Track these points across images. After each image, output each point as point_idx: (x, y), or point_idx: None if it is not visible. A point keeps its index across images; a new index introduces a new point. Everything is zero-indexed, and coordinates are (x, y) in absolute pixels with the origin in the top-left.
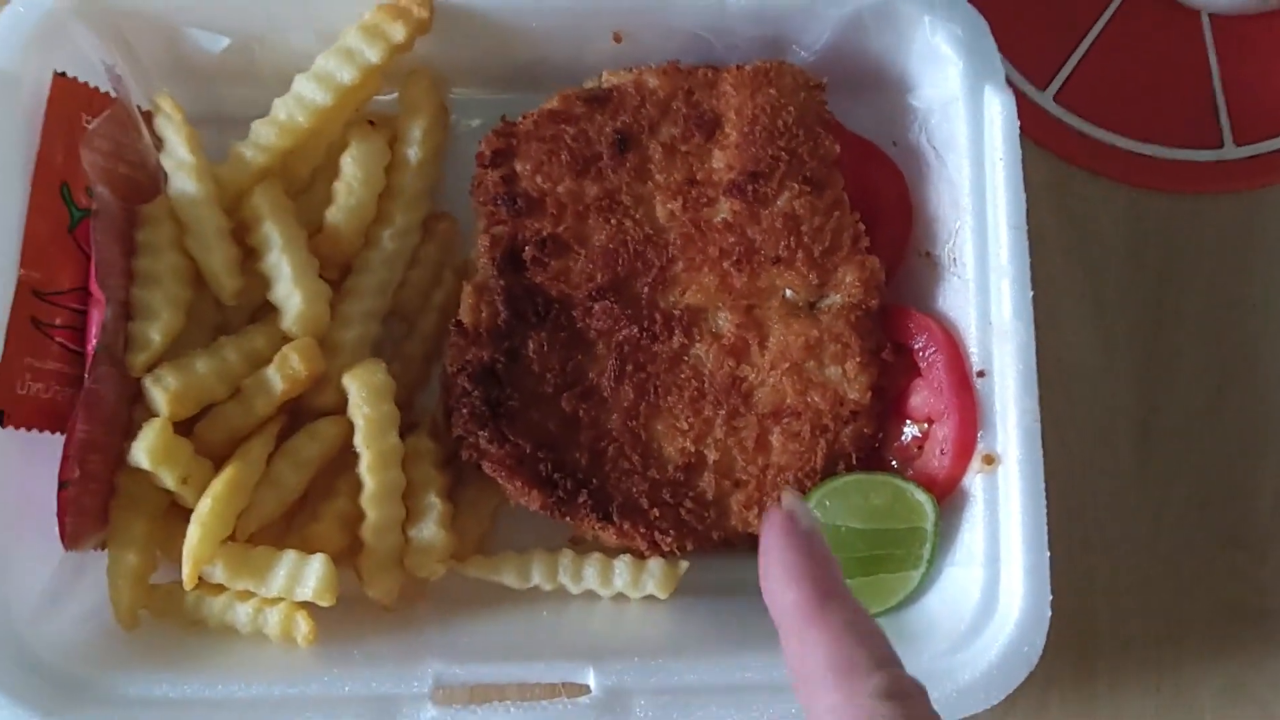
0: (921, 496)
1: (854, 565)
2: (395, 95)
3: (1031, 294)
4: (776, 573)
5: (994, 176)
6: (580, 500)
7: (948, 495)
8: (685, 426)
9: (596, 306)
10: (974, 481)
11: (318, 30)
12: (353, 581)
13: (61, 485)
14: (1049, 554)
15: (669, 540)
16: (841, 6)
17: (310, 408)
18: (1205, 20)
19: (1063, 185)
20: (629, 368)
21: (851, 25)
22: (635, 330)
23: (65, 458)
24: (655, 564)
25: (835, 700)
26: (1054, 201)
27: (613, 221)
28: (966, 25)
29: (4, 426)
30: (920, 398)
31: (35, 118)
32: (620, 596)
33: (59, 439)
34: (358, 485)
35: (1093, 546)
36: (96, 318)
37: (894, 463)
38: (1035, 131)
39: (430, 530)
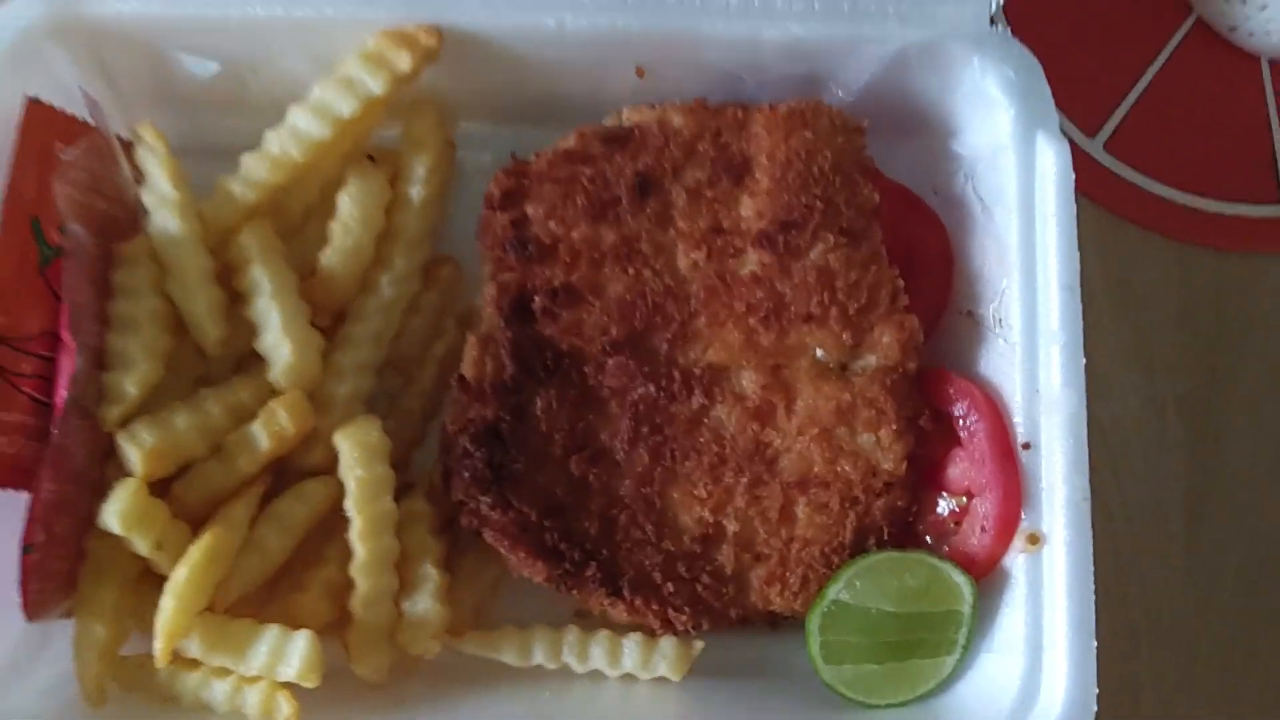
0: (959, 578)
1: (885, 650)
2: (397, 129)
3: (1084, 361)
4: None
5: (1045, 233)
6: (588, 573)
7: (986, 576)
8: (704, 494)
9: (611, 362)
10: (1016, 562)
11: (315, 57)
12: (339, 656)
13: (25, 549)
14: (1095, 644)
15: (684, 618)
16: (885, 44)
17: (297, 467)
18: (1265, 67)
19: (1110, 240)
20: (644, 429)
21: (894, 64)
22: (652, 389)
23: (30, 519)
24: (668, 643)
25: None
26: (1101, 257)
27: (630, 271)
28: (1019, 67)
29: None
30: (959, 469)
31: (4, 145)
32: (628, 677)
33: (22, 498)
34: (347, 552)
35: (1138, 626)
36: (67, 367)
37: (928, 538)
38: (1083, 182)
39: (425, 603)
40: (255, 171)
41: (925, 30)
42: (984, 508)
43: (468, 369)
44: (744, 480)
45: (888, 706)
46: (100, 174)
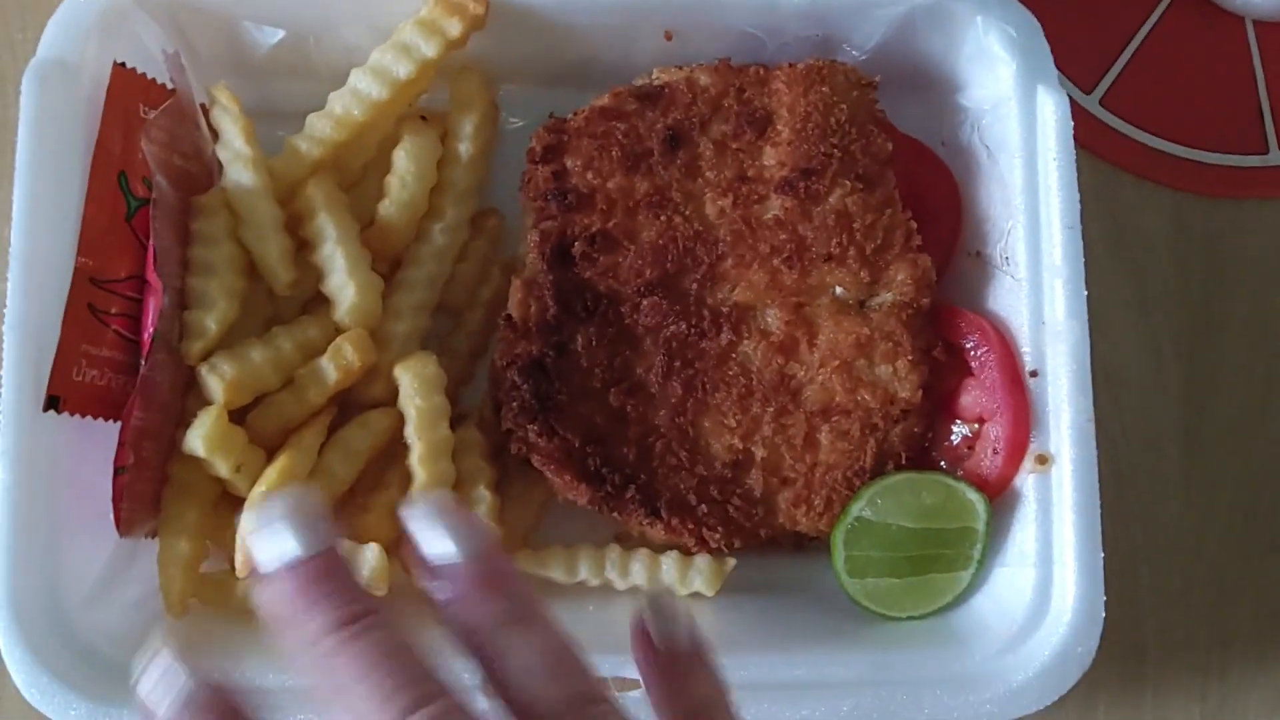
0: (973, 495)
1: (904, 564)
2: (444, 92)
3: (1086, 294)
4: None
5: (1047, 176)
6: (628, 495)
7: (999, 495)
8: (733, 424)
9: (645, 302)
10: (1026, 482)
11: (372, 25)
12: (399, 573)
13: (117, 471)
14: (1102, 555)
15: (717, 537)
16: (894, 6)
17: (360, 399)
18: (1249, 26)
19: (1107, 189)
20: (677, 364)
21: (903, 25)
22: (684, 326)
23: (121, 444)
24: (702, 561)
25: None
26: (1099, 206)
27: (662, 218)
28: (1020, 25)
29: (60, 413)
30: (971, 397)
31: (95, 107)
32: (666, 592)
33: (113, 426)
34: (407, 477)
35: (1138, 553)
36: (153, 305)
37: (943, 463)
38: (1081, 135)
39: None
40: (320, 129)
41: None
42: (995, 432)
43: (514, 309)
44: (770, 410)
45: (908, 618)
46: (179, 133)
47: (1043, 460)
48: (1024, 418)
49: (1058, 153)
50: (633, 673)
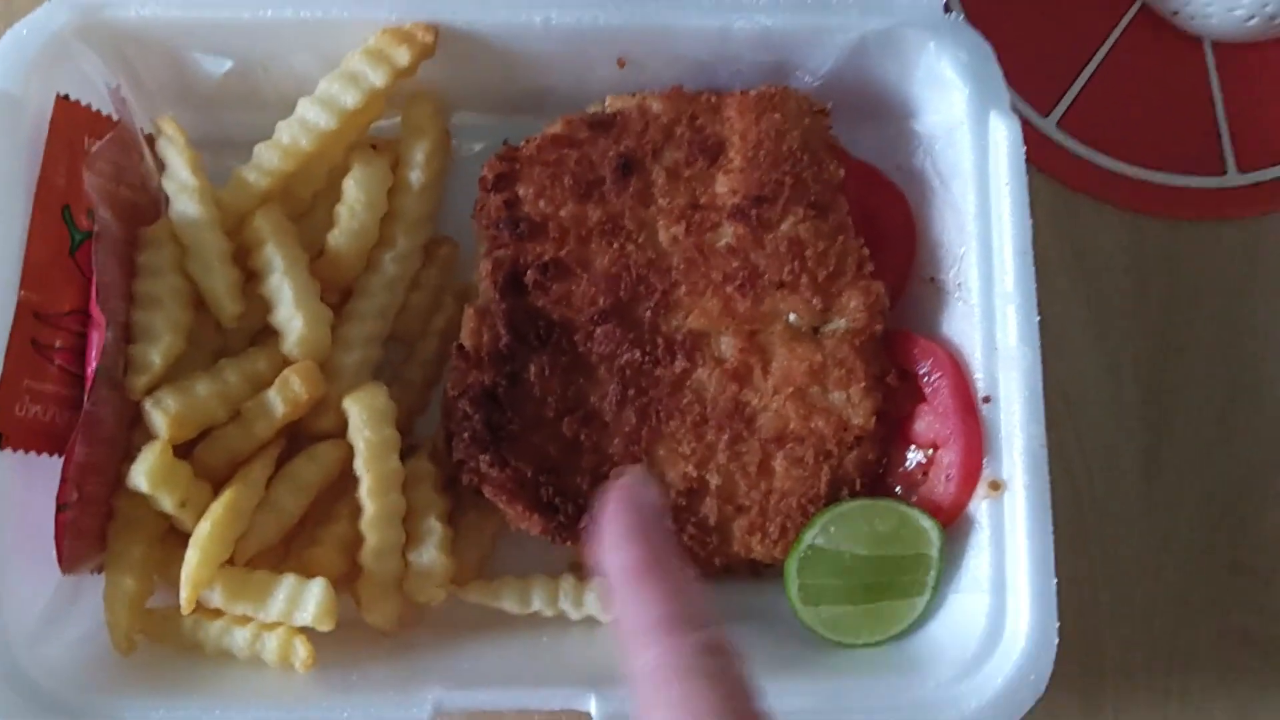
0: (927, 523)
1: (859, 591)
2: (397, 119)
3: (1038, 319)
4: (614, 533)
5: (999, 202)
6: (582, 525)
7: (953, 522)
8: (688, 451)
9: (598, 330)
10: (979, 508)
11: (321, 54)
12: (350, 607)
13: (60, 508)
14: (1055, 581)
15: None
16: (846, 33)
17: (310, 431)
18: (1208, 48)
19: (1066, 212)
20: (631, 392)
21: (856, 51)
22: (637, 354)
23: (64, 480)
24: None
25: (658, 652)
26: (1057, 228)
27: (615, 245)
28: (972, 51)
29: (2, 449)
30: (925, 423)
31: (38, 140)
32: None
33: (56, 461)
34: (357, 509)
35: (1098, 577)
36: (97, 340)
37: (898, 489)
38: (1038, 158)
39: (431, 555)
40: (268, 160)
41: (884, 19)
42: (949, 458)
43: (466, 338)
44: (725, 437)
45: (864, 645)
46: (124, 165)
47: (996, 486)
48: (976, 444)
49: (1010, 178)
50: (587, 705)
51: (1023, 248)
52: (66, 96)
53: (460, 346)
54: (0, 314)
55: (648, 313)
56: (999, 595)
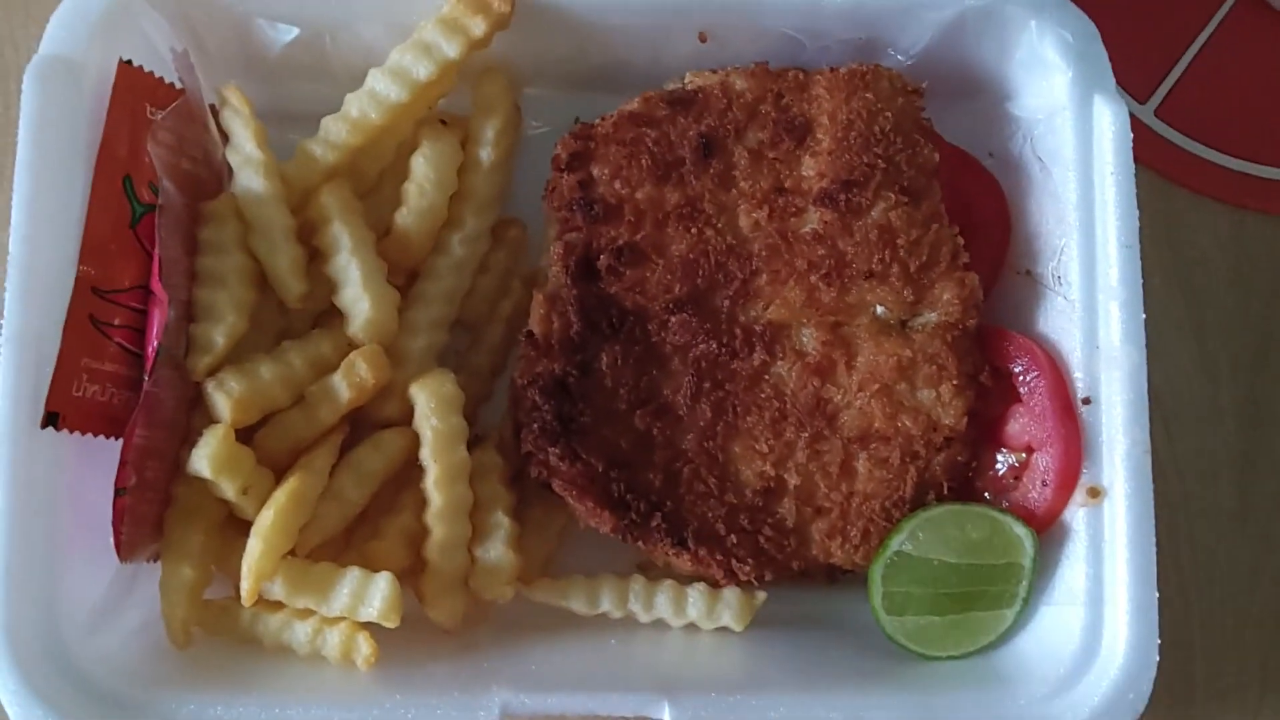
0: (1021, 530)
1: (946, 602)
2: (464, 95)
3: (1144, 317)
4: None
5: (1104, 191)
6: (654, 524)
7: (1047, 529)
8: (765, 449)
9: (673, 320)
10: (1076, 515)
11: (390, 23)
12: (412, 602)
13: (118, 492)
14: (1157, 595)
15: (746, 569)
16: (943, 9)
17: (373, 418)
18: None
19: (1162, 204)
20: (706, 385)
21: (952, 29)
22: (714, 346)
23: (123, 463)
24: (731, 594)
25: None
26: (1152, 221)
27: (693, 230)
28: (1076, 31)
29: (59, 430)
30: (1019, 425)
31: (99, 108)
32: (691, 627)
33: (112, 444)
34: (421, 501)
35: (1189, 590)
36: (158, 318)
37: (987, 494)
38: (1134, 148)
39: (498, 550)
40: (335, 133)
41: None
42: (1044, 462)
43: (536, 325)
44: (805, 435)
45: (948, 658)
46: (188, 136)
47: (1095, 493)
48: (1075, 448)
49: (1115, 167)
50: (660, 713)
51: (1128, 240)
52: (130, 63)
53: (530, 334)
54: (59, 289)
55: (726, 302)
56: (1095, 608)
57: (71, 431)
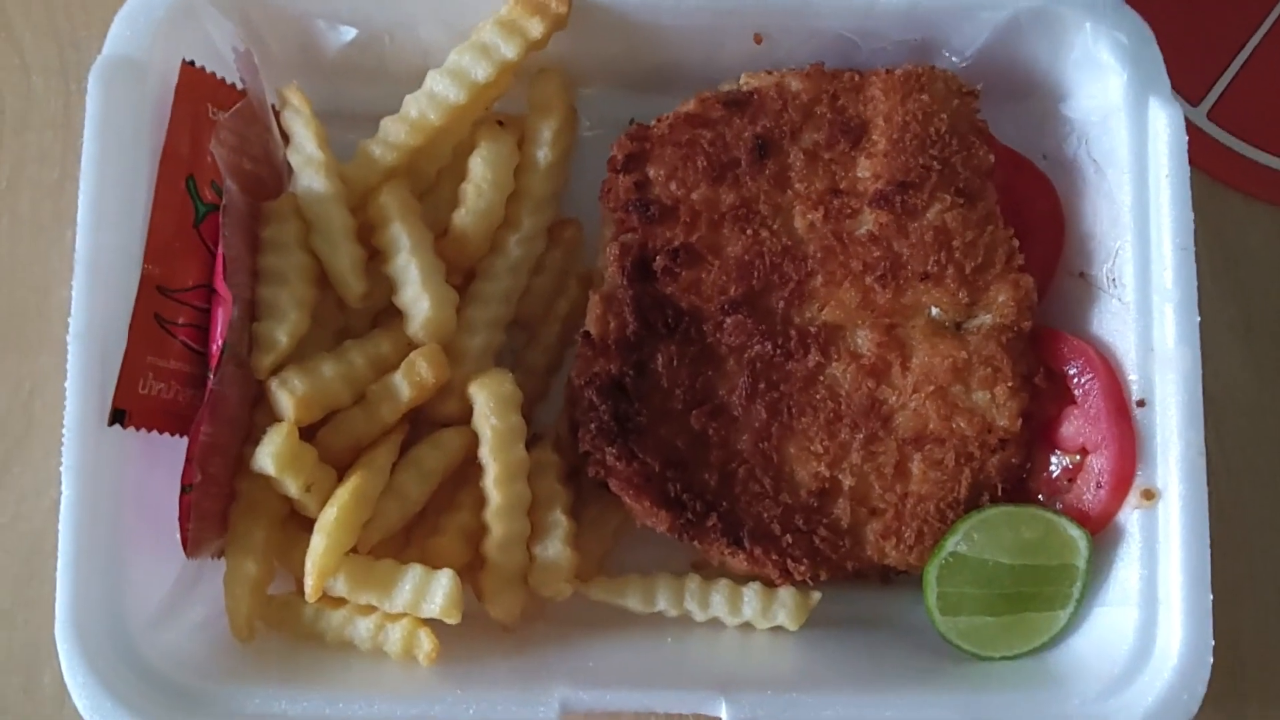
0: (1075, 532)
1: (1000, 602)
2: (519, 95)
3: (1199, 320)
4: None
5: (1159, 194)
6: (710, 523)
7: (1100, 531)
8: (820, 450)
9: (729, 320)
10: (1130, 517)
11: (448, 24)
12: (471, 599)
13: (184, 489)
14: (1211, 597)
15: (802, 569)
16: (998, 10)
17: (432, 417)
18: None
19: (1214, 206)
20: (761, 385)
21: (1007, 30)
22: (769, 346)
23: (189, 460)
24: (786, 594)
25: None
26: (1203, 223)
27: (749, 231)
28: (1131, 33)
29: (125, 427)
30: (1073, 427)
31: (163, 108)
32: (746, 626)
33: (176, 441)
34: (480, 498)
35: (1241, 592)
36: (222, 316)
37: (1041, 496)
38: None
39: (556, 548)
40: (395, 134)
41: None
42: (1099, 464)
43: (592, 325)
44: (859, 436)
45: (1002, 658)
46: (250, 136)
47: (1149, 495)
48: (1130, 450)
49: (1170, 169)
50: (718, 710)
51: (1184, 243)
52: (192, 63)
53: (586, 334)
54: (124, 288)
55: (780, 303)
56: (1149, 610)
57: (138, 429)
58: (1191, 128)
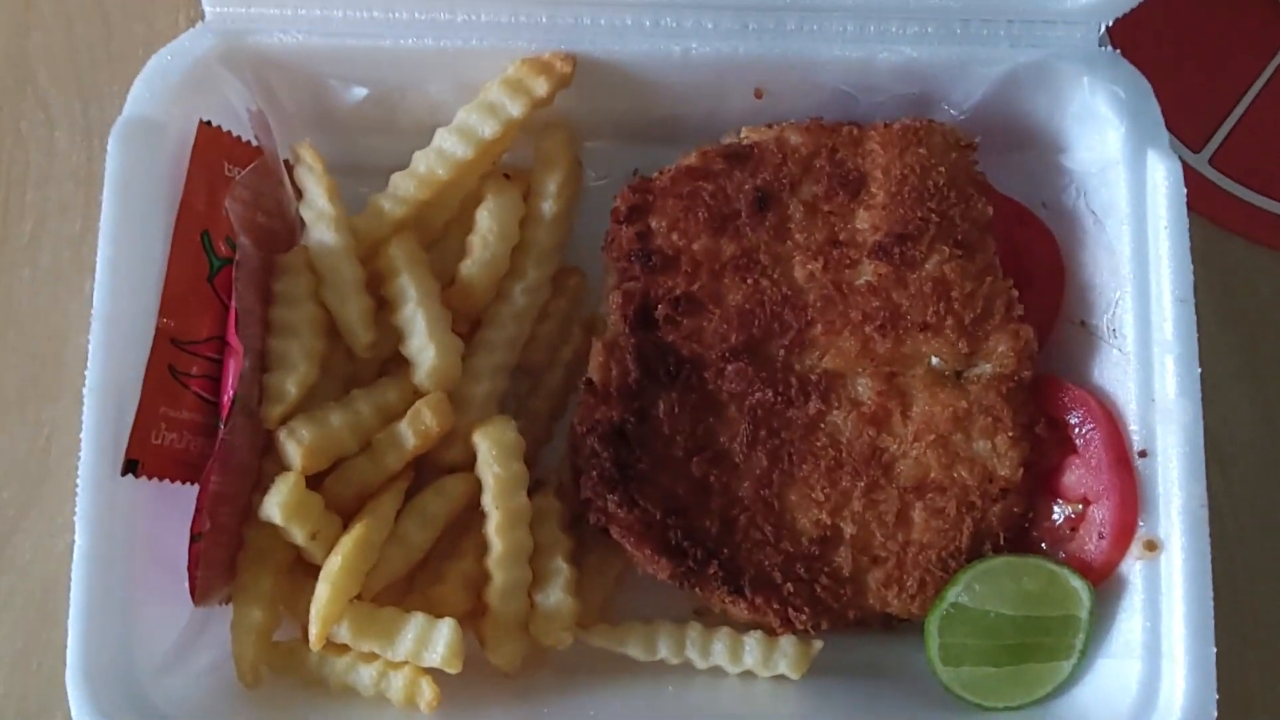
0: (1077, 583)
1: (1002, 653)
2: (528, 147)
3: (1200, 371)
4: None
5: (1158, 245)
6: (711, 571)
7: (1103, 582)
8: (821, 497)
9: (730, 368)
10: (1132, 569)
11: (458, 82)
12: (472, 645)
13: (193, 538)
14: (1214, 650)
15: (803, 617)
16: (995, 65)
17: (436, 463)
18: None
19: (1217, 252)
20: (762, 433)
21: (1005, 83)
22: (769, 394)
23: (199, 509)
24: (788, 642)
25: None
26: (1207, 270)
27: (749, 281)
28: (1128, 86)
29: (138, 476)
30: (1075, 476)
31: (180, 166)
32: (748, 674)
33: (186, 490)
34: (483, 545)
35: (1249, 641)
36: (234, 368)
37: (1043, 545)
38: (1188, 196)
39: (557, 596)
40: (404, 188)
41: (1036, 51)
42: (1101, 514)
43: (595, 373)
44: (861, 484)
45: (1004, 709)
46: (263, 191)
47: (1151, 546)
48: (1132, 500)
49: (1169, 220)
50: None
51: (1183, 294)
52: (209, 123)
53: (589, 381)
54: (140, 341)
55: (781, 351)
56: (1152, 662)
57: (150, 478)
58: (1194, 174)
